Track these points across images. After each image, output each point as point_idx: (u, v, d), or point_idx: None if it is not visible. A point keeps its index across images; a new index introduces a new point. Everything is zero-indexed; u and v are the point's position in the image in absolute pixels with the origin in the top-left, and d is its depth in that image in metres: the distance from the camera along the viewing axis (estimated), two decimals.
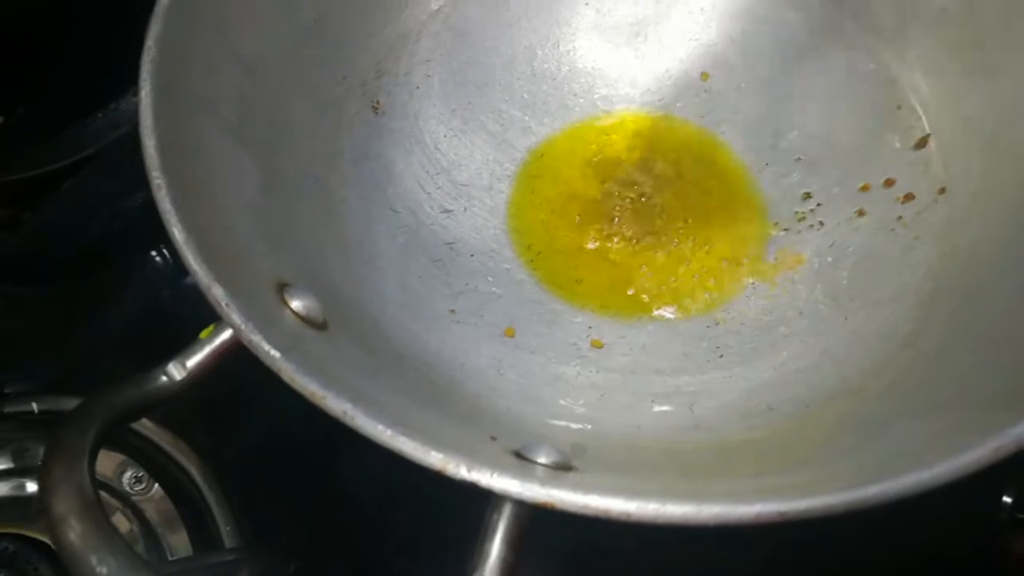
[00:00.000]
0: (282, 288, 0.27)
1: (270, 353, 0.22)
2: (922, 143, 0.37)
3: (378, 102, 0.40)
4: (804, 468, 0.25)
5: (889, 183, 0.37)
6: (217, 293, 0.23)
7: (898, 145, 0.37)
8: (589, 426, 0.31)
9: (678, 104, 0.42)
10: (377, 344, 0.31)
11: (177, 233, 0.24)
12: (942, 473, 0.20)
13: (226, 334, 0.24)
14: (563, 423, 0.31)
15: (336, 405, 0.21)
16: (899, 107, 0.38)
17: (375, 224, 0.37)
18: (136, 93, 0.48)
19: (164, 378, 0.24)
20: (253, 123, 0.32)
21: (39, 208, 0.46)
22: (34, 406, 0.39)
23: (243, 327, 0.23)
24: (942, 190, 0.35)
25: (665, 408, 0.33)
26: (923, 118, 0.37)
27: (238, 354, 0.25)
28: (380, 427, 0.21)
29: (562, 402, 0.32)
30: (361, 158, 0.38)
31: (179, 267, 0.27)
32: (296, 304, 0.27)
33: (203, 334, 0.25)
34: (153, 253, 0.46)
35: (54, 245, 0.46)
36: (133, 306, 0.46)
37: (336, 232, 0.35)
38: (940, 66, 0.36)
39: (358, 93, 0.39)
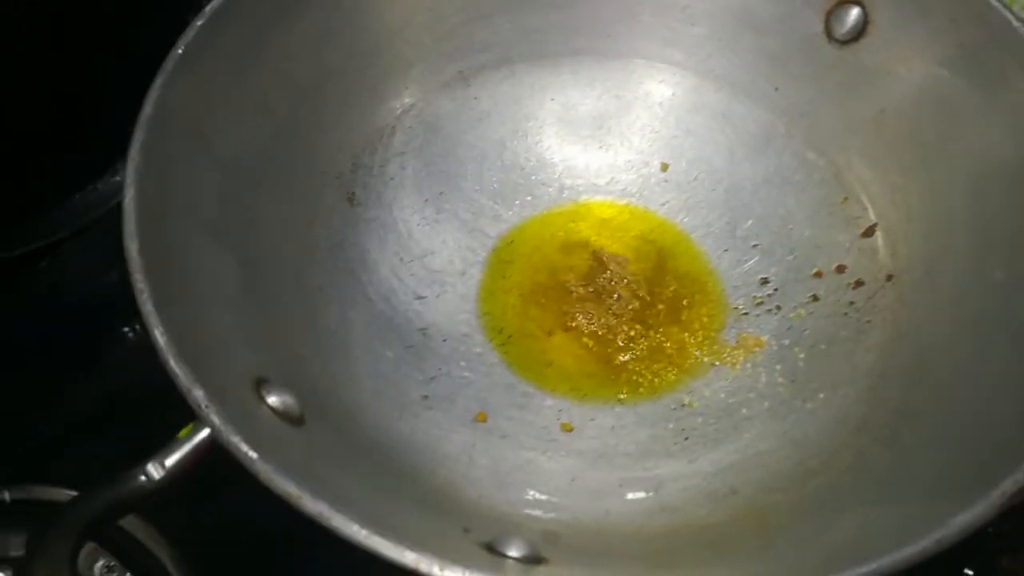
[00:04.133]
0: (260, 384, 0.28)
1: (248, 455, 0.23)
2: (869, 232, 0.39)
3: (353, 194, 0.41)
4: (761, 556, 0.26)
5: (840, 269, 0.39)
6: (197, 395, 0.24)
7: (847, 234, 0.39)
8: (559, 513, 0.32)
9: (641, 193, 0.44)
10: (351, 434, 0.32)
11: (159, 335, 0.25)
12: (887, 565, 0.21)
13: (204, 433, 0.25)
14: (534, 511, 0.32)
15: (312, 506, 0.22)
16: (846, 198, 0.40)
17: (349, 312, 0.38)
18: (114, 175, 0.49)
19: (143, 478, 0.25)
20: (231, 220, 0.33)
21: (14, 288, 0.47)
22: (6, 495, 0.38)
23: (222, 429, 0.24)
24: (889, 277, 0.37)
25: (632, 492, 0.34)
26: (869, 209, 0.39)
27: (217, 450, 0.25)
28: (355, 527, 0.22)
29: (532, 489, 0.33)
30: (337, 248, 0.39)
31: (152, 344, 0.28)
32: (273, 400, 0.28)
33: (182, 433, 0.26)
34: (126, 329, 0.46)
35: (27, 326, 0.46)
36: (105, 385, 0.46)
37: (312, 322, 0.36)
38: (881, 162, 0.39)
39: (334, 186, 0.41)
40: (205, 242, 0.31)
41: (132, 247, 0.27)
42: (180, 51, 0.32)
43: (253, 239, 0.35)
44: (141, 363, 0.44)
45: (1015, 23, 0.34)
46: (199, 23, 0.33)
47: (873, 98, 0.39)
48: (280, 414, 0.28)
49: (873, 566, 0.21)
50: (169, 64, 0.32)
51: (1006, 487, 0.22)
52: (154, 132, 0.30)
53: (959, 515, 0.22)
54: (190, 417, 0.25)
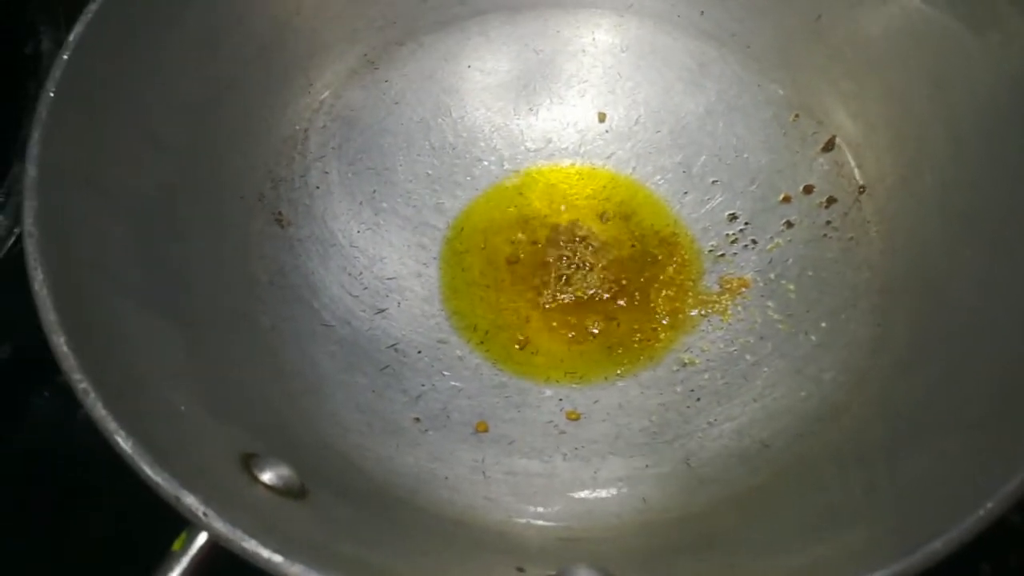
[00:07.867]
0: (248, 462, 0.24)
1: (271, 560, 0.20)
2: (829, 146, 0.37)
3: (280, 213, 0.37)
4: (828, 519, 0.25)
5: (808, 190, 0.37)
6: (190, 503, 0.20)
7: (806, 151, 0.38)
8: (594, 516, 0.30)
9: (583, 149, 0.41)
10: (356, 486, 0.28)
11: (123, 443, 0.21)
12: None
13: (201, 539, 0.21)
14: (565, 521, 0.29)
15: None
16: (797, 115, 0.38)
17: (309, 346, 0.34)
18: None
19: None
20: (155, 277, 0.29)
21: None
22: None
23: (231, 535, 0.20)
24: (862, 189, 0.36)
25: (663, 470, 0.32)
26: (824, 121, 0.38)
27: (220, 554, 0.21)
28: None
29: (558, 494, 0.31)
30: (278, 277, 0.35)
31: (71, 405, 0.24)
32: (268, 476, 0.24)
33: (176, 545, 0.22)
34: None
35: None
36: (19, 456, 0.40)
37: (275, 368, 0.32)
38: (827, 71, 0.37)
39: (257, 209, 0.36)
40: (135, 312, 0.27)
41: (59, 342, 0.22)
42: (52, 93, 0.27)
43: (183, 292, 0.30)
44: (59, 426, 0.38)
45: None
46: (65, 56, 0.28)
47: (805, 4, 0.37)
48: (280, 491, 0.24)
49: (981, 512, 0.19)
50: (43, 111, 0.27)
51: None
52: (46, 195, 0.25)
53: None
54: (123, 494, 0.21)
